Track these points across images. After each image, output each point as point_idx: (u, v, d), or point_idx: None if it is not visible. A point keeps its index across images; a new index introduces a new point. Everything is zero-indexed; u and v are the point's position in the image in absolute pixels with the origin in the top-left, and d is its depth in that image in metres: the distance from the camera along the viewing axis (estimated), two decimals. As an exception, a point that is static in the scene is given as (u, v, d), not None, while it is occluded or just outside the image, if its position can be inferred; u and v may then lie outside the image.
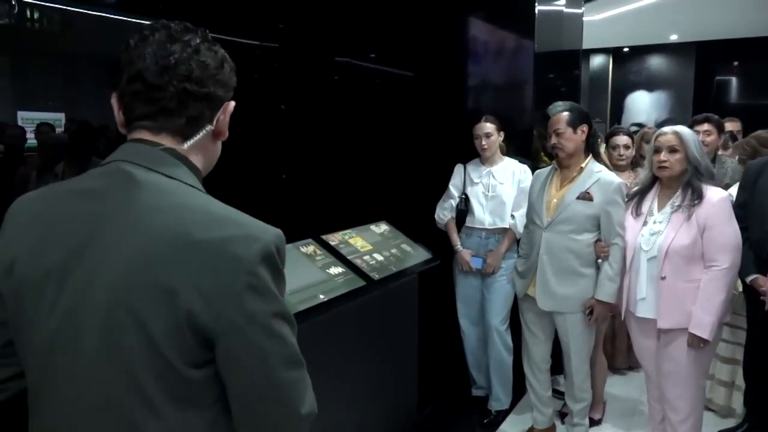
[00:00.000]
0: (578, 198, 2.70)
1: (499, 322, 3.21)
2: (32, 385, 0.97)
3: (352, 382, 2.53)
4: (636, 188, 2.70)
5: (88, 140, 2.39)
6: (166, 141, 0.96)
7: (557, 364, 3.09)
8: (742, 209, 2.77)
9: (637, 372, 3.82)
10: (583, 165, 2.75)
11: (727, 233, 2.36)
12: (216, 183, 1.49)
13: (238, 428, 0.95)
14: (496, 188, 3.20)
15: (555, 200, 2.77)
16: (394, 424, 2.90)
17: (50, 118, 2.27)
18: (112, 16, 2.42)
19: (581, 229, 2.71)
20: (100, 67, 2.52)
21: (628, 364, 3.89)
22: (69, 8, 2.25)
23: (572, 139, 2.71)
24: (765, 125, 3.32)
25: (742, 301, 3.01)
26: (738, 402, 3.22)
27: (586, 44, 4.58)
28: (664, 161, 2.44)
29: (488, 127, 3.17)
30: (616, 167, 3.30)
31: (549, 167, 2.88)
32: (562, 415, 3.22)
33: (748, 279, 2.81)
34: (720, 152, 3.69)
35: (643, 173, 2.69)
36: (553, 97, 3.50)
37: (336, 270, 2.56)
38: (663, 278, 2.41)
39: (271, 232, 0.92)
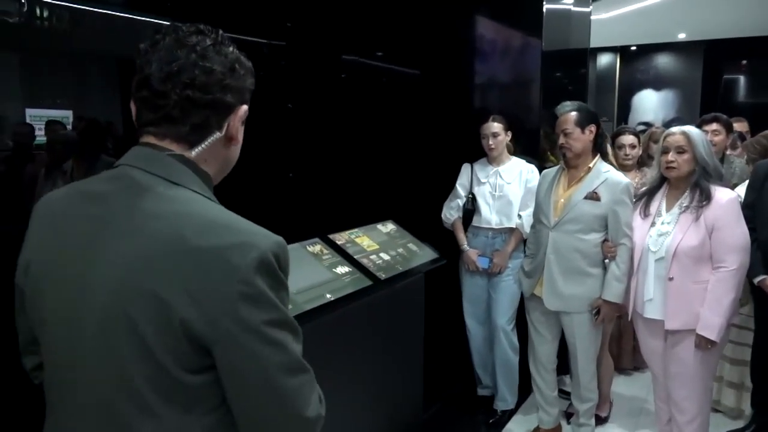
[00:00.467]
0: (586, 198, 2.70)
1: (505, 322, 3.21)
2: (45, 381, 1.00)
3: (358, 381, 2.53)
4: (644, 188, 2.69)
5: (96, 138, 2.40)
6: (173, 147, 0.95)
7: (563, 364, 3.09)
8: (750, 209, 2.76)
9: (643, 372, 3.81)
10: (590, 165, 2.75)
11: (736, 234, 2.35)
12: (223, 182, 1.48)
13: None
14: (503, 188, 3.20)
15: (562, 200, 2.76)
16: (400, 423, 2.90)
17: (58, 115, 2.28)
18: (120, 14, 2.42)
19: (588, 228, 2.70)
20: (107, 64, 2.52)
21: (633, 364, 3.88)
22: (76, 6, 2.25)
23: (580, 139, 2.70)
24: (773, 124, 3.30)
25: (751, 303, 3.00)
26: (747, 403, 3.21)
27: (594, 43, 4.57)
28: (672, 161, 2.44)
29: (495, 126, 3.17)
30: (622, 167, 3.29)
31: (556, 167, 2.87)
32: (568, 415, 3.22)
33: (756, 280, 2.80)
34: (728, 152, 3.68)
35: (650, 173, 2.68)
36: (560, 96, 3.50)
37: (343, 269, 2.56)
38: (671, 279, 2.40)
39: (269, 240, 0.90)
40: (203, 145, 0.96)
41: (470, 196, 3.27)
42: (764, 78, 8.87)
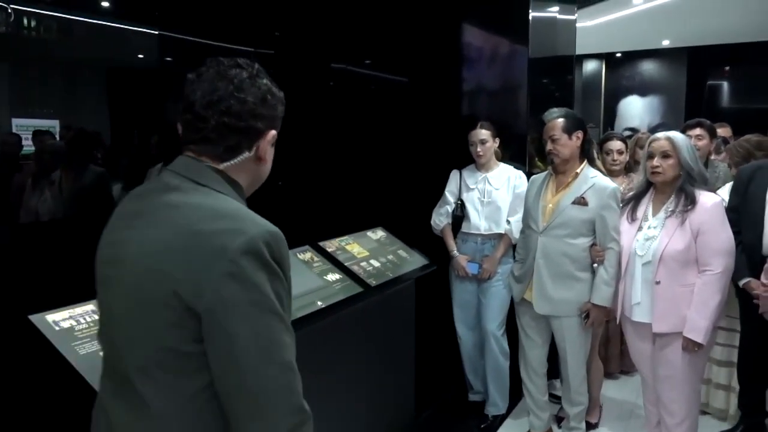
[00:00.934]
0: (574, 203, 2.72)
1: (495, 327, 3.22)
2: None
3: (350, 388, 2.53)
4: (631, 193, 2.73)
5: (84, 147, 2.39)
6: (208, 161, 1.12)
7: (553, 368, 3.10)
8: (734, 213, 2.80)
9: (631, 376, 3.84)
10: (578, 170, 2.78)
11: (721, 238, 2.38)
12: None
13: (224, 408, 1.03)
14: (492, 194, 3.22)
15: (551, 205, 2.79)
16: (391, 429, 2.90)
17: (45, 125, 2.27)
18: (107, 23, 2.42)
19: (577, 233, 2.73)
20: (94, 74, 2.52)
21: (620, 368, 3.91)
22: (62, 15, 2.25)
23: (567, 145, 2.73)
24: (756, 129, 3.35)
25: (737, 305, 3.04)
26: (735, 405, 3.24)
27: (579, 50, 4.62)
28: (657, 167, 2.47)
29: (483, 133, 3.19)
30: (609, 172, 3.32)
31: (545, 173, 2.90)
32: (559, 419, 3.24)
33: (741, 282, 2.83)
34: (712, 157, 3.73)
35: (637, 178, 2.72)
36: (547, 102, 3.53)
37: (333, 276, 2.57)
38: (658, 283, 2.43)
39: (261, 229, 1.03)
40: (233, 162, 1.13)
41: (459, 202, 3.29)
42: (747, 84, 9.00)
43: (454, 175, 3.36)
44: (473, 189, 3.26)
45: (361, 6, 3.54)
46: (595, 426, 3.27)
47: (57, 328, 1.69)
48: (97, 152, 2.45)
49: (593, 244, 2.73)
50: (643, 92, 9.89)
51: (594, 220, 2.70)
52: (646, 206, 2.56)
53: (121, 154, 2.55)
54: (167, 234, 1.03)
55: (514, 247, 3.19)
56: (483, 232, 3.22)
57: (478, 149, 3.19)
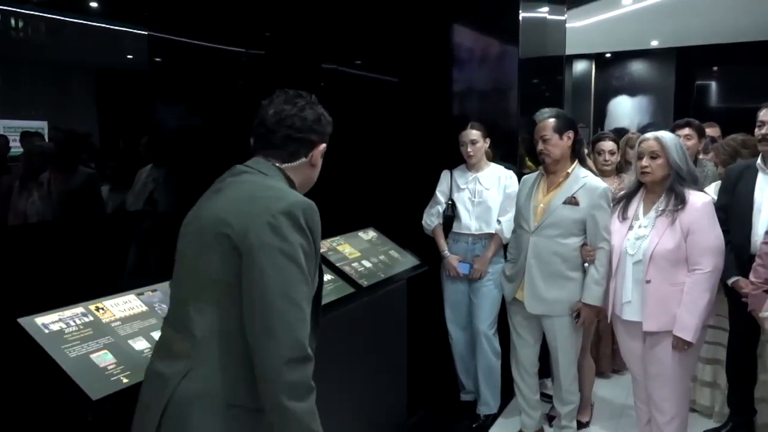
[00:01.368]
0: (565, 203, 2.73)
1: (486, 327, 3.23)
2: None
3: (342, 389, 2.53)
4: (622, 192, 2.74)
5: (72, 148, 2.38)
6: (274, 162, 1.49)
7: (545, 367, 3.11)
8: (722, 212, 2.82)
9: (622, 375, 3.86)
10: (569, 170, 2.79)
11: (710, 237, 2.40)
12: (203, 191, 1.53)
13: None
14: (483, 194, 3.22)
15: (542, 205, 2.80)
16: (384, 429, 2.90)
17: (33, 126, 2.25)
18: (95, 24, 2.41)
19: (568, 233, 2.74)
20: (83, 75, 2.50)
21: (612, 368, 3.93)
22: (51, 16, 2.23)
23: (558, 145, 2.74)
24: (744, 128, 3.37)
25: (724, 303, 3.06)
26: (720, 402, 3.26)
27: (569, 50, 4.64)
28: (646, 167, 2.49)
29: (474, 134, 3.19)
30: (601, 172, 3.33)
31: (536, 173, 2.91)
32: (550, 418, 3.25)
33: (730, 281, 2.85)
34: (701, 156, 3.75)
35: (628, 178, 2.73)
36: (537, 102, 3.54)
37: (325, 277, 2.56)
38: (648, 282, 2.45)
39: (300, 199, 1.39)
40: (292, 164, 1.50)
41: (450, 202, 3.29)
42: (735, 83, 9.07)
43: (445, 175, 3.37)
44: (464, 189, 3.26)
45: (351, 6, 3.54)
46: (587, 425, 3.28)
47: (46, 331, 1.68)
48: (86, 154, 2.43)
49: (584, 244, 2.74)
50: (632, 92, 9.95)
51: (585, 219, 2.71)
52: (637, 205, 2.58)
53: (110, 155, 2.53)
54: (231, 197, 1.40)
55: (505, 247, 3.20)
56: (474, 232, 3.22)
57: (469, 149, 3.20)
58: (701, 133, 3.62)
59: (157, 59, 2.67)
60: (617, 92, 10.09)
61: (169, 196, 2.65)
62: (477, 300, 3.25)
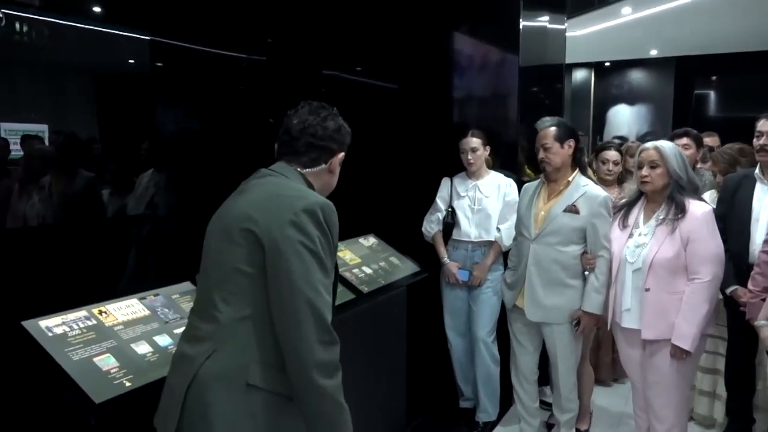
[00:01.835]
0: (565, 211, 2.75)
1: (485, 334, 3.23)
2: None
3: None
4: (623, 201, 2.76)
5: (72, 151, 2.38)
6: (296, 167, 1.61)
7: (544, 375, 3.12)
8: (721, 222, 2.83)
9: (622, 383, 3.86)
10: (570, 179, 2.80)
11: (710, 246, 2.41)
12: (205, 195, 1.54)
13: (275, 325, 1.43)
14: (482, 202, 3.23)
15: (543, 213, 2.81)
16: (382, 437, 2.90)
17: (34, 129, 2.26)
18: (97, 28, 2.41)
19: (568, 241, 2.75)
20: (83, 78, 2.51)
21: (612, 376, 3.93)
22: (52, 20, 2.24)
23: (559, 153, 2.76)
24: (743, 137, 3.39)
25: (724, 312, 3.06)
26: (719, 412, 3.26)
27: (569, 59, 4.65)
28: (646, 176, 2.50)
29: (474, 141, 3.21)
30: (602, 181, 3.34)
31: (537, 180, 2.92)
32: (549, 426, 3.25)
33: (728, 290, 2.86)
34: (699, 165, 3.77)
35: (629, 186, 2.74)
36: (537, 110, 3.56)
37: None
38: (647, 290, 2.45)
39: (320, 199, 1.50)
40: (312, 170, 1.62)
41: (450, 209, 3.30)
42: (734, 93, 9.11)
43: (445, 182, 3.38)
44: (464, 196, 3.28)
45: (353, 13, 3.55)
46: (585, 432, 3.28)
47: (50, 334, 1.69)
48: (87, 157, 2.44)
49: (584, 252, 2.75)
50: (631, 101, 9.98)
51: (585, 228, 2.72)
52: (637, 214, 2.59)
53: (111, 159, 2.54)
54: (256, 195, 1.52)
55: (504, 254, 3.21)
56: (473, 240, 3.23)
57: (469, 157, 3.21)
58: (699, 143, 3.64)
59: (159, 64, 2.68)
60: (616, 101, 10.11)
61: (171, 201, 2.66)
62: (476, 307, 3.25)
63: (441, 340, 3.41)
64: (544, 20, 3.95)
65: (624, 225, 2.61)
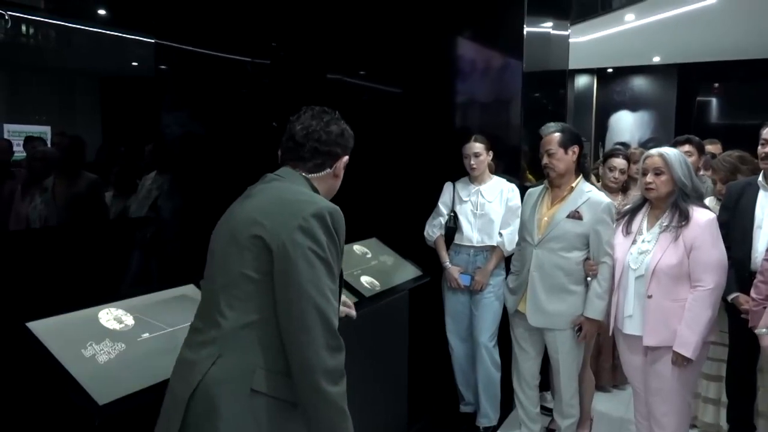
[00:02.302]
0: (568, 217, 2.75)
1: (487, 339, 3.23)
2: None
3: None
4: (627, 207, 2.76)
5: (75, 153, 2.38)
6: (301, 171, 1.61)
7: (545, 380, 3.11)
8: (723, 229, 2.83)
9: (622, 390, 3.85)
10: (573, 185, 2.80)
11: (713, 254, 2.41)
12: (208, 198, 1.54)
13: (281, 332, 1.43)
14: (485, 206, 3.24)
15: (546, 218, 2.81)
16: (383, 441, 2.89)
17: (36, 131, 2.27)
18: (102, 31, 2.42)
19: (571, 247, 2.75)
20: (87, 81, 2.52)
21: (612, 382, 3.92)
22: (58, 23, 2.25)
23: (563, 159, 2.76)
24: (745, 145, 3.39)
25: (725, 319, 3.06)
26: (725, 419, 3.25)
27: (572, 65, 4.66)
28: (650, 183, 2.50)
29: (477, 146, 3.21)
30: (607, 188, 3.34)
31: (541, 186, 2.92)
32: (550, 431, 3.24)
33: (730, 297, 2.85)
34: (701, 173, 3.77)
35: (634, 192, 2.74)
36: (540, 116, 3.56)
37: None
38: (650, 297, 2.45)
39: (328, 204, 1.50)
40: (317, 174, 1.63)
41: (452, 214, 3.30)
42: (736, 100, 9.10)
43: (448, 187, 3.38)
44: (466, 201, 3.28)
45: (357, 17, 3.57)
46: (586, 439, 3.27)
47: (55, 336, 1.69)
48: (90, 159, 2.44)
49: (587, 258, 2.75)
50: (633, 107, 9.97)
51: (588, 234, 2.72)
52: (641, 220, 2.59)
53: (114, 161, 2.54)
54: (265, 200, 1.52)
55: (506, 259, 3.21)
56: (475, 244, 3.23)
57: (472, 162, 3.21)
58: (701, 150, 3.65)
59: (163, 67, 2.69)
60: (618, 107, 10.10)
61: (174, 203, 2.66)
62: (478, 312, 3.25)
63: (442, 344, 3.41)
64: (548, 26, 3.96)
65: (627, 231, 2.61)
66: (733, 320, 2.97)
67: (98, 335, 1.77)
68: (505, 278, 3.14)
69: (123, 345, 1.79)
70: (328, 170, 1.64)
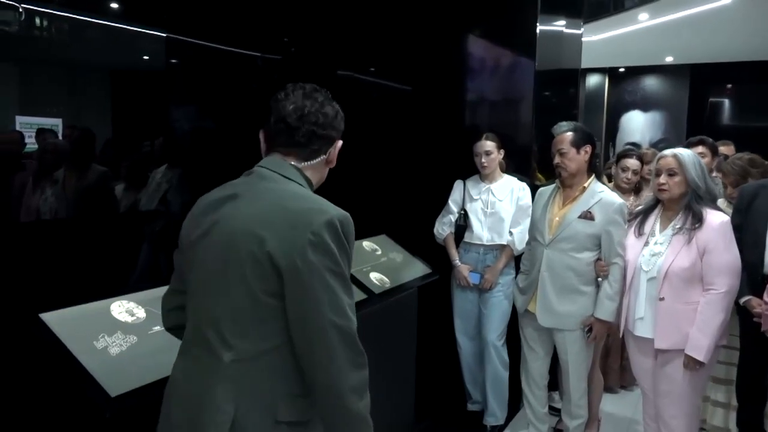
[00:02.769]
0: (580, 217, 2.73)
1: (495, 338, 3.22)
2: (188, 312, 1.43)
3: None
4: (640, 208, 2.73)
5: (86, 146, 2.39)
6: (292, 161, 1.43)
7: (553, 380, 3.10)
8: (736, 232, 2.80)
9: (630, 391, 3.84)
10: (585, 185, 2.78)
11: (726, 257, 2.38)
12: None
13: (297, 355, 1.31)
14: (495, 205, 3.22)
15: (557, 218, 2.79)
16: (390, 438, 2.89)
17: (48, 123, 2.27)
18: (114, 24, 2.42)
19: (582, 247, 2.73)
20: (98, 74, 2.52)
21: (620, 383, 3.90)
22: (70, 15, 2.25)
23: (575, 159, 2.74)
24: (757, 146, 3.35)
25: (737, 322, 3.03)
26: (734, 423, 3.22)
27: (583, 64, 4.64)
28: (664, 184, 2.48)
29: (489, 144, 3.20)
30: (619, 189, 3.32)
31: (552, 185, 2.90)
32: (557, 431, 3.23)
33: (742, 300, 2.83)
34: (714, 174, 3.74)
35: (647, 193, 2.72)
36: (552, 114, 3.54)
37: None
38: (661, 299, 2.43)
39: (338, 211, 1.34)
40: (311, 162, 1.45)
41: (462, 212, 3.29)
42: (749, 102, 9.03)
43: (458, 185, 3.37)
44: (477, 199, 3.27)
45: (368, 14, 3.55)
46: (594, 440, 3.26)
47: (67, 327, 1.70)
48: (101, 152, 2.45)
49: (598, 259, 2.73)
50: (645, 107, 9.92)
51: (600, 234, 2.70)
52: (653, 222, 2.57)
53: (124, 154, 2.55)
54: (262, 207, 1.32)
55: (516, 258, 3.20)
56: (485, 243, 3.22)
57: (483, 160, 3.20)
58: (714, 151, 3.62)
59: (174, 61, 2.69)
60: (630, 107, 10.05)
61: (183, 197, 2.66)
62: (486, 310, 3.24)
63: (450, 342, 3.41)
64: (560, 25, 3.94)
65: (639, 233, 2.59)
66: (744, 323, 2.95)
67: (110, 327, 1.78)
68: (515, 277, 3.13)
69: (135, 337, 1.79)
70: (323, 157, 1.46)
